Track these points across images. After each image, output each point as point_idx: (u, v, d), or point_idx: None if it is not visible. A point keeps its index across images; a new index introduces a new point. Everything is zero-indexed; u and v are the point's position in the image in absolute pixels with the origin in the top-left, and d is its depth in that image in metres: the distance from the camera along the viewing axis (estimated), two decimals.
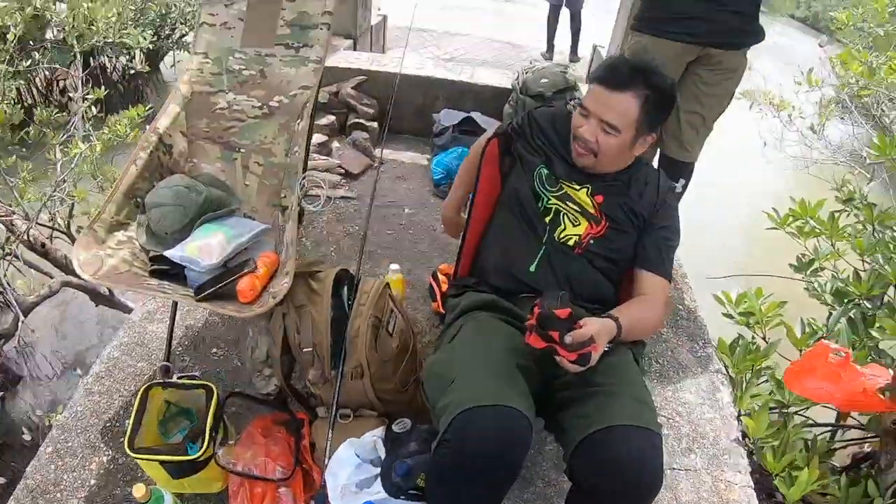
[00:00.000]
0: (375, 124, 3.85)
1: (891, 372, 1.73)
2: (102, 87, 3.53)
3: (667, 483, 1.93)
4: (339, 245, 2.85)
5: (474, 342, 1.48)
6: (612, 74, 1.53)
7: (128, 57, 5.57)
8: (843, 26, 5.00)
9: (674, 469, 1.99)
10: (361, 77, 3.92)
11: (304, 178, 1.81)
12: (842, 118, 6.41)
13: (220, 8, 2.07)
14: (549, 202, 1.66)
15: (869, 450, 2.37)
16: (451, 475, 1.29)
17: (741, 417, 2.21)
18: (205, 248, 1.82)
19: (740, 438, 2.14)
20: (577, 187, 1.66)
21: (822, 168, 5.08)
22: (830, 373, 1.77)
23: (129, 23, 4.50)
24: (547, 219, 1.66)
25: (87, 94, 3.46)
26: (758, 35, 2.41)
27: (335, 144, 3.62)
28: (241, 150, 2.07)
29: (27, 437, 3.14)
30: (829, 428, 2.54)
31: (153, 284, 1.78)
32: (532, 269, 1.65)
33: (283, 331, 1.71)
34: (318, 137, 3.55)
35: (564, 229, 1.64)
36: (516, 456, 1.26)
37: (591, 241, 1.64)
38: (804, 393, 1.91)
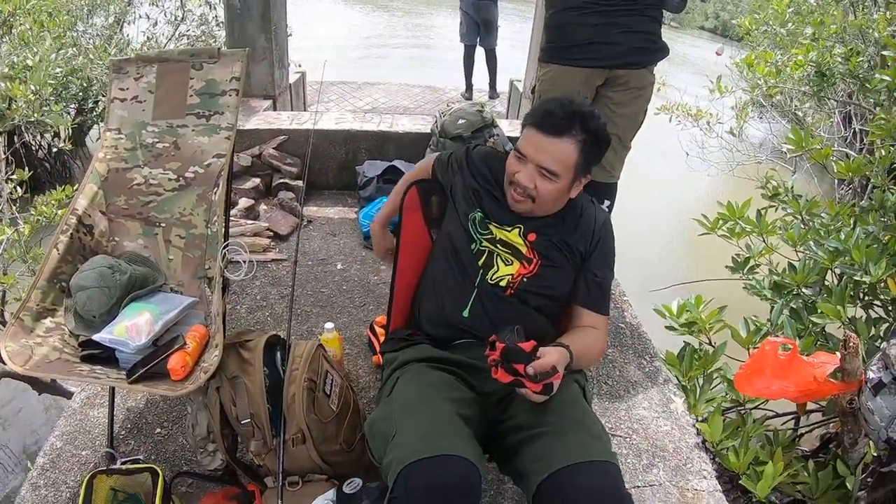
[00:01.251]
0: (301, 183, 3.81)
1: (837, 355, 1.76)
2: (27, 168, 3.41)
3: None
4: (273, 310, 2.79)
5: (412, 394, 1.45)
6: (548, 121, 1.52)
7: (52, 134, 5.45)
8: (749, 31, 5.25)
9: (638, 487, 1.97)
10: (282, 137, 3.89)
11: (224, 246, 1.77)
12: (760, 117, 6.69)
13: (130, 82, 2.04)
14: (482, 244, 1.64)
15: (834, 429, 2.39)
16: None
17: (698, 424, 2.21)
18: (132, 328, 1.76)
19: (700, 444, 2.14)
20: (509, 229, 1.64)
21: (745, 169, 5.26)
22: (780, 369, 1.81)
23: (50, 99, 4.40)
24: (479, 262, 1.63)
25: (11, 174, 3.35)
26: (662, 52, 2.48)
27: (262, 207, 3.57)
28: (162, 224, 2.03)
29: None
30: (792, 416, 2.57)
31: (85, 370, 1.71)
32: (466, 313, 1.62)
33: (220, 404, 1.65)
34: (244, 202, 3.51)
35: (497, 270, 1.62)
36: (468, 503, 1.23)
37: (524, 280, 1.62)
38: (757, 393, 1.94)
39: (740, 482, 2.00)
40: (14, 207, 3.40)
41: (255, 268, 3.05)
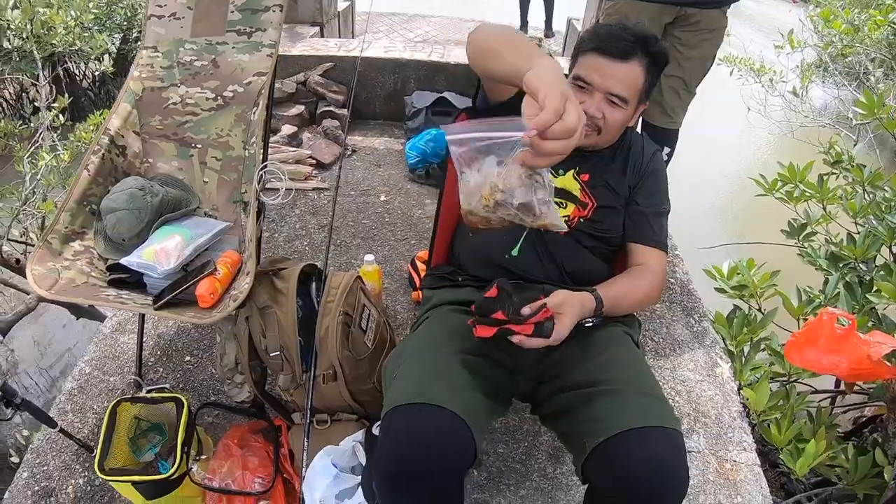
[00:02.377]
0: (347, 111, 3.70)
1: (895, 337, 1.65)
2: (70, 95, 3.38)
3: None
4: (312, 239, 2.74)
5: (425, 340, 1.37)
6: (613, 44, 1.41)
7: (96, 61, 5.41)
8: None
9: None
10: (329, 63, 3.78)
11: (261, 169, 1.69)
12: (823, 82, 6.37)
13: None
14: None
15: (870, 414, 2.29)
16: (382, 484, 1.17)
17: (742, 391, 2.12)
18: (161, 252, 1.72)
19: (743, 413, 2.05)
20: (562, 172, 1.53)
21: (807, 132, 5.01)
22: (834, 343, 1.70)
23: (93, 27, 4.33)
24: None
25: (53, 101, 3.31)
26: None
27: (306, 135, 3.50)
28: (198, 145, 1.97)
29: (15, 458, 3.03)
30: (830, 394, 2.47)
31: (111, 295, 1.67)
32: (515, 252, 1.51)
33: (249, 335, 1.59)
34: (287, 129, 3.43)
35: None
36: (450, 466, 1.13)
37: (580, 221, 1.52)
38: (806, 365, 1.83)
39: (779, 457, 1.92)
40: (55, 135, 3.37)
41: (294, 195, 3.00)
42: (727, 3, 2.31)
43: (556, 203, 1.49)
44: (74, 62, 5.69)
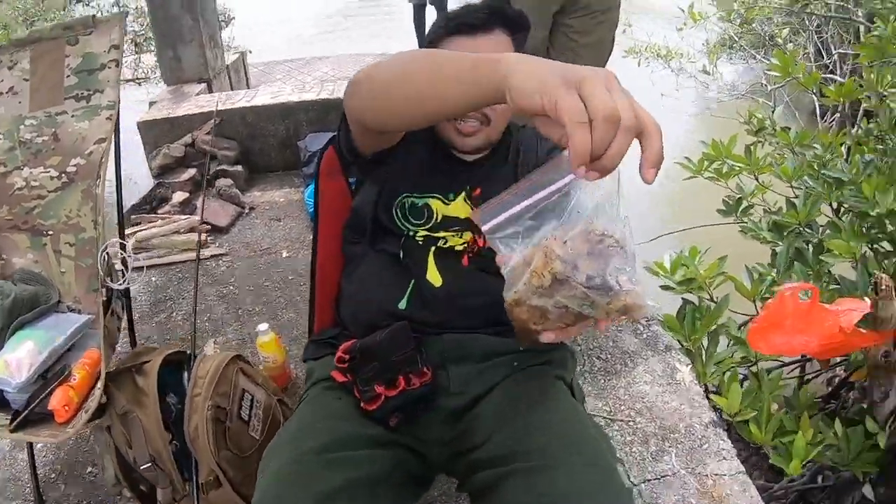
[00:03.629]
0: (240, 167, 3.49)
1: (866, 300, 1.51)
2: None
3: (645, 500, 1.61)
4: (213, 313, 2.46)
5: (297, 431, 1.07)
6: (472, 18, 1.19)
7: None
8: None
9: (649, 481, 1.66)
10: (215, 120, 3.53)
11: (103, 250, 1.42)
12: (731, 58, 6.44)
13: (4, 72, 1.79)
14: (418, 235, 1.25)
15: (843, 374, 2.15)
16: None
17: (712, 396, 1.91)
18: (14, 362, 1.48)
19: (715, 419, 1.84)
20: (453, 197, 1.27)
21: (723, 107, 5.00)
22: (799, 321, 1.54)
23: None
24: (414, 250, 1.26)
25: None
26: None
27: (201, 199, 3.23)
28: (49, 231, 1.74)
29: None
30: (797, 364, 2.37)
31: None
32: (402, 305, 1.21)
33: (115, 447, 1.31)
34: (178, 196, 3.18)
35: (447, 241, 1.25)
36: None
37: (480, 249, 1.26)
38: (774, 350, 1.70)
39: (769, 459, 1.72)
40: None
41: (191, 266, 2.73)
42: None
43: (451, 234, 1.25)
44: None
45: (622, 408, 1.91)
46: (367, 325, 1.18)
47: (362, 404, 1.06)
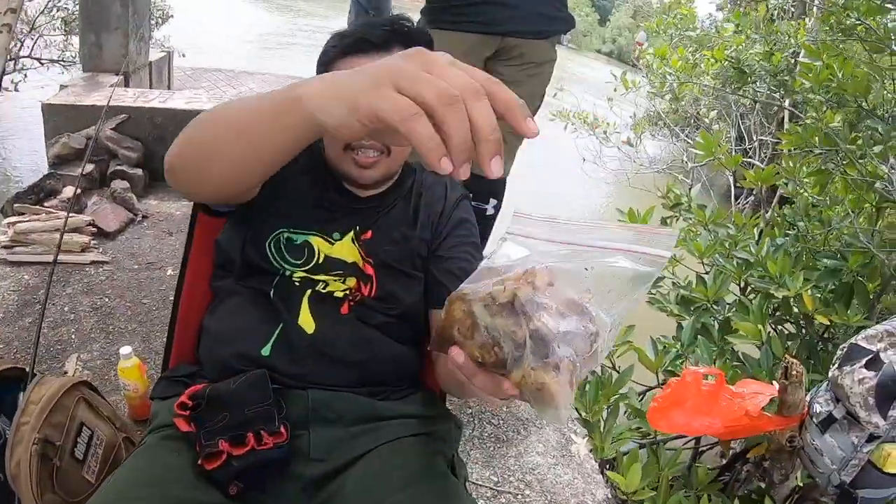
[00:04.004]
0: (140, 171, 3.23)
1: (774, 384, 1.49)
2: None
3: None
4: (82, 325, 2.20)
5: (120, 491, 0.86)
6: (370, 36, 1.05)
7: None
8: (655, 31, 5.12)
9: None
10: (123, 116, 3.28)
11: None
12: (654, 135, 6.68)
13: None
14: (295, 275, 1.10)
15: (739, 449, 2.11)
16: None
17: (608, 473, 1.83)
18: None
19: (609, 496, 1.76)
20: (339, 236, 1.11)
21: (642, 179, 5.12)
22: (703, 402, 1.50)
23: None
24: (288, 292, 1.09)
25: None
26: (566, 22, 2.09)
27: (93, 198, 2.95)
28: None
29: None
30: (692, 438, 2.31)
31: None
32: (265, 352, 1.04)
33: None
34: (69, 191, 2.88)
35: (327, 285, 1.09)
36: None
37: (364, 298, 1.10)
38: (675, 429, 1.66)
39: None
40: None
41: (68, 270, 2.49)
42: (556, 33, 2.11)
43: (332, 278, 1.10)
44: None
45: (511, 479, 1.79)
46: (223, 369, 1.02)
47: (200, 461, 0.88)
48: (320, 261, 1.07)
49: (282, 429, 0.91)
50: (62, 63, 6.05)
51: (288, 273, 1.06)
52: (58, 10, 6.05)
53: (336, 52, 1.05)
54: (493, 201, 2.18)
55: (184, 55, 6.79)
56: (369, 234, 1.10)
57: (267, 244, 1.07)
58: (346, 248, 1.09)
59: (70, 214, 2.67)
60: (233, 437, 0.88)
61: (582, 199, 7.07)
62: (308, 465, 0.95)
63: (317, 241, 1.08)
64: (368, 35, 1.03)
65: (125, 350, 1.64)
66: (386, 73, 0.52)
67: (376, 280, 1.08)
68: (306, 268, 1.06)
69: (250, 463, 0.88)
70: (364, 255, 1.09)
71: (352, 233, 1.10)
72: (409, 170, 1.19)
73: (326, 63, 1.06)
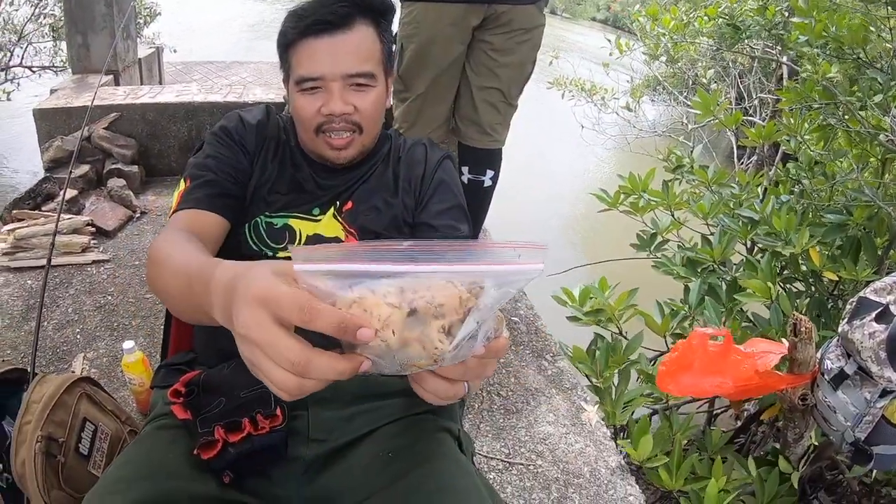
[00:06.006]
0: (136, 168, 3.22)
1: (783, 342, 1.47)
2: None
3: None
4: (86, 325, 2.21)
5: (117, 480, 0.84)
6: (329, 11, 1.02)
7: None
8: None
9: None
10: (114, 114, 3.26)
11: None
12: (653, 100, 6.60)
13: None
14: (278, 257, 1.08)
15: (753, 410, 2.12)
16: None
17: (620, 443, 1.82)
18: None
19: (623, 463, 1.75)
20: (318, 212, 1.12)
21: (643, 143, 5.06)
22: (712, 362, 1.48)
23: None
24: None
25: None
26: None
27: (91, 198, 2.94)
28: None
29: None
30: (707, 399, 2.28)
31: None
32: None
33: None
34: (67, 192, 2.87)
35: None
36: None
37: None
38: (684, 392, 1.63)
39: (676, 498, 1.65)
40: None
41: (70, 271, 2.49)
42: None
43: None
44: None
45: (522, 450, 1.79)
46: (220, 354, 1.01)
47: (195, 450, 0.86)
48: (302, 241, 1.07)
49: (278, 411, 0.89)
50: (53, 69, 6.04)
51: (271, 255, 1.06)
52: (45, 17, 6.05)
53: (295, 35, 1.03)
54: (489, 172, 2.16)
55: (175, 51, 6.77)
56: (350, 204, 1.11)
57: (245, 230, 1.07)
58: (329, 225, 1.09)
59: (67, 216, 2.68)
60: (228, 424, 0.87)
61: (583, 166, 7.02)
62: (308, 446, 0.93)
63: (297, 223, 1.08)
64: (327, 15, 1.00)
65: (128, 345, 1.64)
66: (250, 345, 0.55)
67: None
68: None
69: (247, 450, 0.86)
70: (346, 226, 1.08)
71: (332, 208, 1.10)
72: (385, 135, 1.18)
73: (287, 45, 1.05)
